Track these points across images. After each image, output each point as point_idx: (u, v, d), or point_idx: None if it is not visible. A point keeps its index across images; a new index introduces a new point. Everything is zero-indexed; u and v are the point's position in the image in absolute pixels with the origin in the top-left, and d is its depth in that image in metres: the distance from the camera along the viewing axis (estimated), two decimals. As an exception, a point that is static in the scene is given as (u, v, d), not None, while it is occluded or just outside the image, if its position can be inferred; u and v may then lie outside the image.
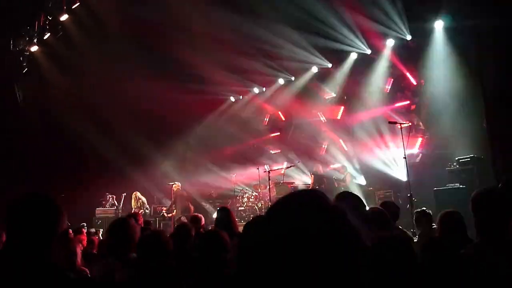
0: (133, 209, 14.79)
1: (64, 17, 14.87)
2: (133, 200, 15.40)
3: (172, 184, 14.61)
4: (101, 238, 9.49)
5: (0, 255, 2.36)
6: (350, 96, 16.49)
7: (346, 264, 1.05)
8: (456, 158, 11.97)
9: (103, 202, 15.74)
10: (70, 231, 7.03)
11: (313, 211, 1.12)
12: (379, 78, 15.20)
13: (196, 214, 7.72)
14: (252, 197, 15.97)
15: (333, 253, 1.04)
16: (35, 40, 15.56)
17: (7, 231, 2.32)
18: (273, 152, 19.64)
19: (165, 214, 15.25)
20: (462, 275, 2.54)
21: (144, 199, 15.53)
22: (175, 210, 14.43)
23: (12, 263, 2.19)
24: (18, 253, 2.23)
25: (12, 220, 2.31)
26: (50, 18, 15.17)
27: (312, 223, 1.08)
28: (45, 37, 15.53)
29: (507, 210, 2.81)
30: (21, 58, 15.68)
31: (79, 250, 4.67)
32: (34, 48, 15.71)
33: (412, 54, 14.02)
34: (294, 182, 16.35)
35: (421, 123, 14.31)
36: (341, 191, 4.29)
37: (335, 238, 1.06)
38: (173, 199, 14.39)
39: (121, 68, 14.79)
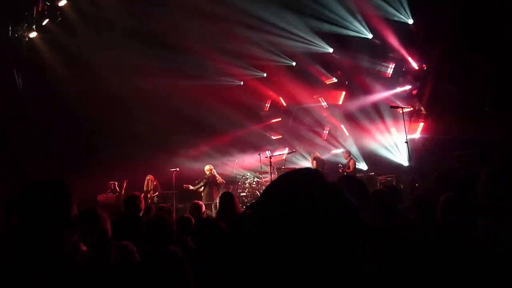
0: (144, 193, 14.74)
1: (62, 3, 14.77)
2: (147, 183, 15.13)
3: (174, 170, 14.51)
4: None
5: (12, 240, 2.32)
6: (351, 81, 16.38)
7: (345, 241, 1.03)
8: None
9: (107, 189, 15.64)
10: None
11: (309, 189, 1.10)
12: (380, 63, 15.10)
13: (197, 201, 7.61)
14: (254, 182, 15.93)
15: (330, 231, 1.02)
16: (33, 26, 15.51)
17: (20, 217, 2.31)
18: (274, 137, 19.63)
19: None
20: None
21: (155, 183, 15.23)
22: (202, 195, 13.76)
23: (25, 249, 2.18)
24: (32, 239, 2.21)
25: (26, 206, 2.31)
26: (49, 4, 15.07)
27: (309, 202, 1.06)
28: (44, 23, 15.46)
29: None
30: (20, 45, 15.62)
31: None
32: (33, 35, 15.67)
33: (414, 38, 13.88)
34: (295, 168, 16.25)
35: (422, 108, 14.21)
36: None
37: (333, 215, 1.04)
38: (204, 182, 13.81)
39: (122, 54, 14.65)
